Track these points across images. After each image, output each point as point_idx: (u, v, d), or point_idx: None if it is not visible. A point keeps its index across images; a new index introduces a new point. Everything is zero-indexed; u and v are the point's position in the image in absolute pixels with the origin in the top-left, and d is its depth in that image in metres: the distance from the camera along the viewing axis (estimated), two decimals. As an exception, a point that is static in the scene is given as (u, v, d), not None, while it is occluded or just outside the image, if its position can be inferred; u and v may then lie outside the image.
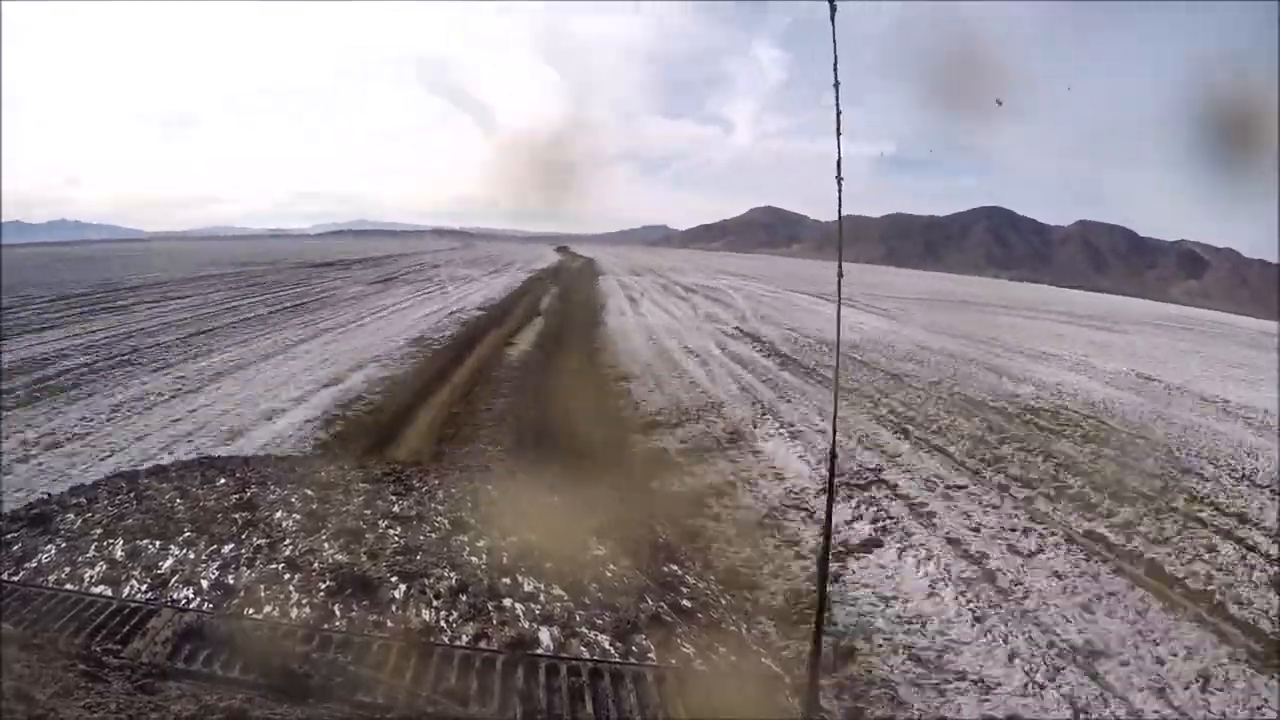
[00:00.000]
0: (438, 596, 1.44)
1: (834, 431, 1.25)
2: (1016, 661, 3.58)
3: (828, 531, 1.23)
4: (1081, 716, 3.23)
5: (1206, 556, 5.03)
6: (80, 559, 1.50)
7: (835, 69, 1.05)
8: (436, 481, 2.11)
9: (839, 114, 1.07)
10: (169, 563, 1.50)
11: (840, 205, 1.09)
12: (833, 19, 1.02)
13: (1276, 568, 4.89)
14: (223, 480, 1.98)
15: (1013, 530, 5.29)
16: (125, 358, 9.62)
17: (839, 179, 1.08)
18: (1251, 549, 5.21)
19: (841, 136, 1.06)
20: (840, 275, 1.11)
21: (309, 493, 1.89)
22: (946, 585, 4.31)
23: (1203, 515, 5.84)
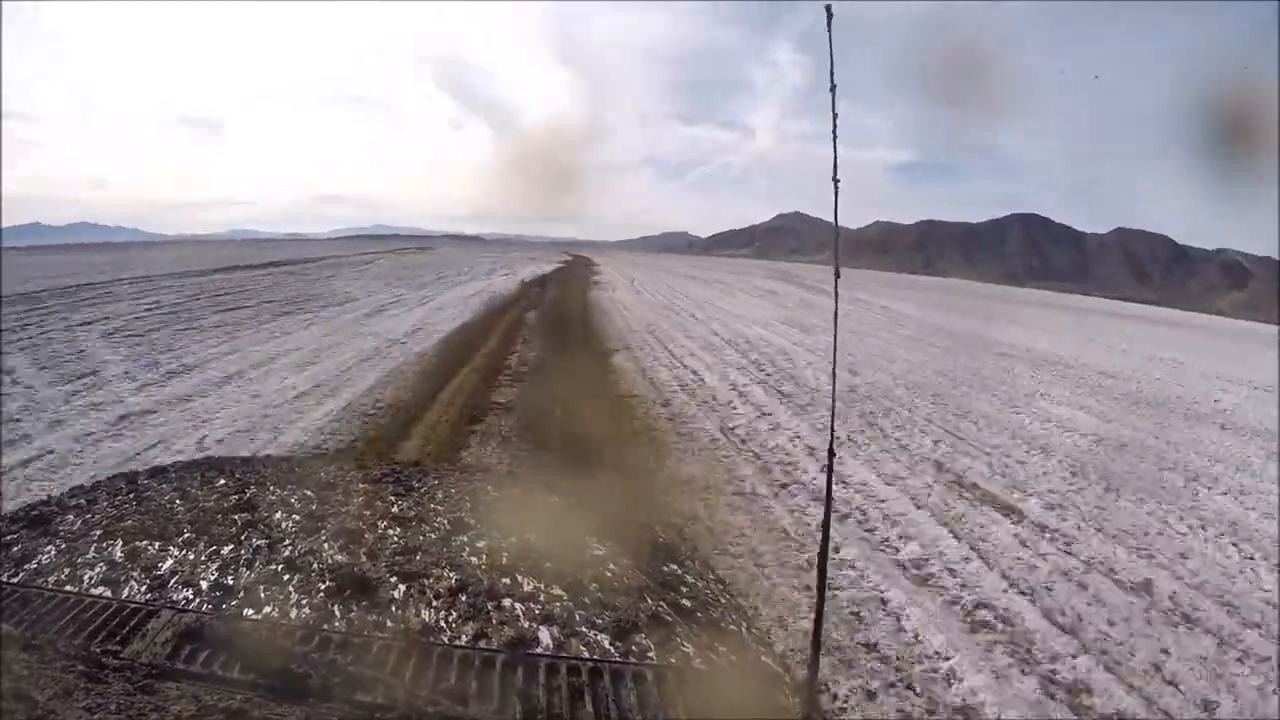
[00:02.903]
0: (437, 597, 1.45)
1: (831, 434, 1.25)
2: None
3: (826, 531, 1.23)
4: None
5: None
6: (80, 560, 1.50)
7: (831, 73, 1.06)
8: (436, 482, 2.12)
9: (835, 117, 1.08)
10: (168, 564, 1.50)
11: (836, 207, 1.10)
12: (829, 25, 1.03)
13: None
14: (222, 481, 1.98)
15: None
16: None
17: (835, 180, 1.08)
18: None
19: (838, 140, 1.07)
20: (837, 276, 1.12)
21: (308, 493, 1.89)
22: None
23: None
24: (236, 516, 1.72)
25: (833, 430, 1.30)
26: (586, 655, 1.30)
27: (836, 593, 4.67)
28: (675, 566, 1.80)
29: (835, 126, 1.11)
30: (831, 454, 1.15)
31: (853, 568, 5.10)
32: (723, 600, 1.75)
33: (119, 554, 1.53)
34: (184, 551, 1.55)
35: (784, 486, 6.69)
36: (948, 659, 4.09)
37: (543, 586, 1.50)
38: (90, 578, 1.44)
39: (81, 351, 11.34)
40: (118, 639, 1.22)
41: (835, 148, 1.11)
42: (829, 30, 1.08)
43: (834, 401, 1.26)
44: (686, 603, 1.58)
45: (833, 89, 1.11)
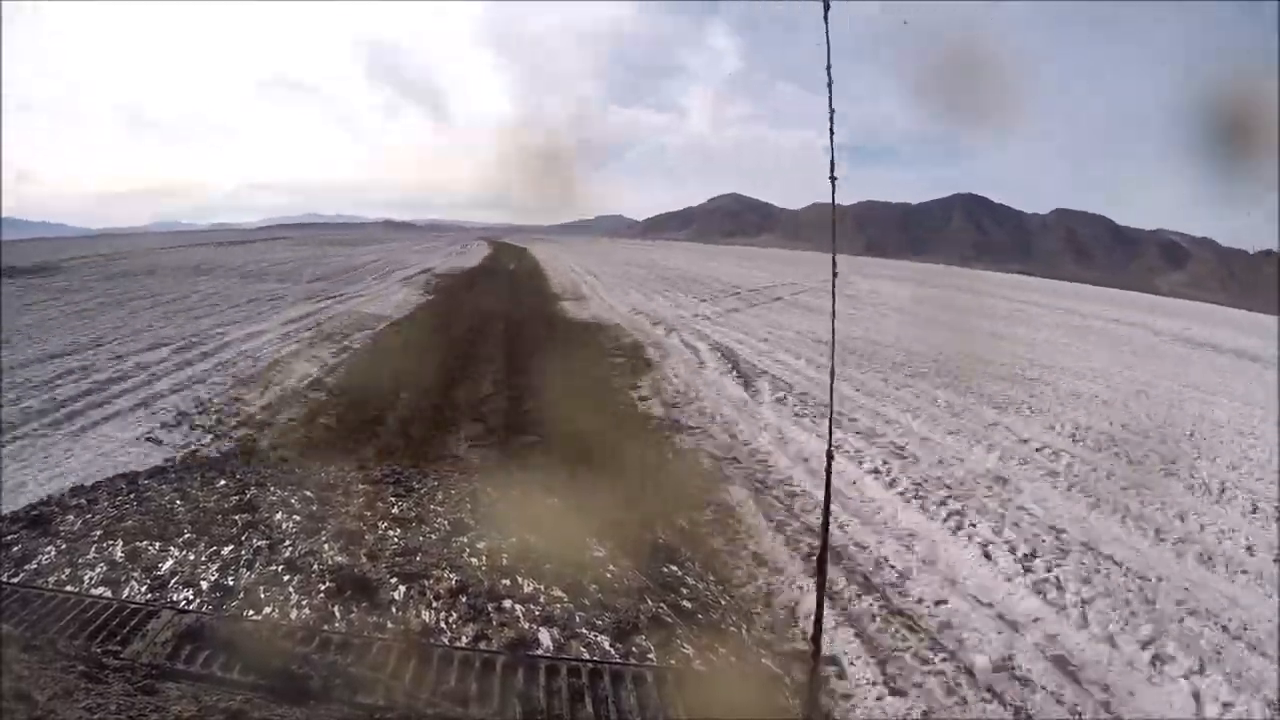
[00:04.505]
0: (438, 598, 1.45)
1: (830, 439, 1.25)
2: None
3: (825, 530, 1.23)
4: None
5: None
6: (80, 560, 1.51)
7: (829, 69, 1.04)
8: (436, 483, 2.12)
9: (832, 112, 1.06)
10: (169, 564, 1.50)
11: (834, 204, 1.09)
12: (826, 18, 1.02)
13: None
14: (222, 482, 1.98)
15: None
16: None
17: (832, 178, 1.07)
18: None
19: (834, 135, 1.06)
20: (834, 274, 1.11)
21: (309, 494, 1.89)
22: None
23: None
24: (237, 517, 1.73)
25: (830, 434, 1.30)
26: (587, 657, 1.31)
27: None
28: (675, 568, 1.80)
29: (832, 123, 1.09)
30: (830, 456, 1.15)
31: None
32: (723, 601, 1.75)
33: (119, 554, 1.53)
34: (184, 552, 1.55)
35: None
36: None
37: (543, 588, 1.50)
38: (91, 578, 1.44)
39: None
40: (118, 639, 1.22)
41: (832, 144, 1.10)
42: (825, 23, 1.07)
43: (831, 406, 1.26)
44: (687, 604, 1.58)
45: (830, 85, 1.09)
